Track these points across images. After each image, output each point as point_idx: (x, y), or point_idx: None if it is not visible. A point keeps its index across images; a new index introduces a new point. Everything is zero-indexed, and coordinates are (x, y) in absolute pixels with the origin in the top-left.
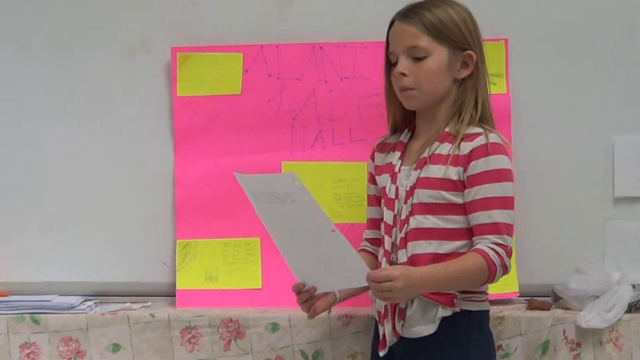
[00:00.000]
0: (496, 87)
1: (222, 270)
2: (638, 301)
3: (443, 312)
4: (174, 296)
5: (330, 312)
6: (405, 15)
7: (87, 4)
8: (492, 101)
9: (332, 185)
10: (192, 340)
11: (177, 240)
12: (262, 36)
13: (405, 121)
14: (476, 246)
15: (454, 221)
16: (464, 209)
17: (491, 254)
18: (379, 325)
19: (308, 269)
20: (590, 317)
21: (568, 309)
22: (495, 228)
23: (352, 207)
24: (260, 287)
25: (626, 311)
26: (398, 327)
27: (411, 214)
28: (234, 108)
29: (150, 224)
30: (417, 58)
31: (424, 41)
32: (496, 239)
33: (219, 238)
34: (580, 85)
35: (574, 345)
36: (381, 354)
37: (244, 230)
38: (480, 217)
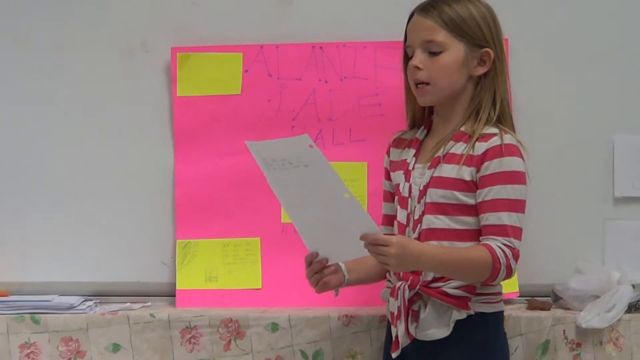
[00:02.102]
0: None
1: (222, 270)
2: (638, 301)
3: (458, 315)
4: (174, 296)
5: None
6: (425, 8)
7: (87, 4)
8: None
9: None
10: (192, 340)
11: (177, 240)
12: (262, 36)
13: (423, 116)
14: (484, 241)
15: (466, 222)
16: (476, 210)
17: (498, 251)
18: (392, 327)
19: (320, 238)
20: (590, 317)
21: (568, 309)
22: (502, 230)
23: None
24: (260, 287)
25: (626, 311)
26: (411, 329)
27: (424, 213)
28: (234, 108)
29: (150, 224)
30: (433, 52)
31: (441, 36)
32: (504, 240)
33: (219, 238)
34: (580, 85)
35: (574, 345)
36: (394, 355)
37: (244, 230)
38: (489, 219)
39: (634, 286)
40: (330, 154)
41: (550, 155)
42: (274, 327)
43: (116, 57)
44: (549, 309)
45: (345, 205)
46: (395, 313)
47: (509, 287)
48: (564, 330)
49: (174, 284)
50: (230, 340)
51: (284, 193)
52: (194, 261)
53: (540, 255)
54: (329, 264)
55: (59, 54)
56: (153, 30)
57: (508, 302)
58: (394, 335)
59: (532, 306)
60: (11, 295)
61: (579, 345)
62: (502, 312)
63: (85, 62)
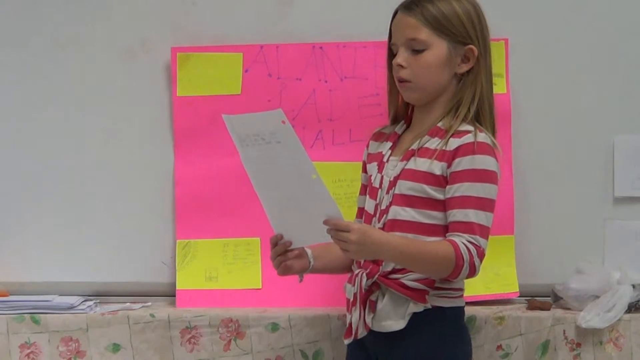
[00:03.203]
0: (496, 87)
1: (222, 270)
2: (638, 301)
3: (414, 307)
4: (174, 296)
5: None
6: (408, 6)
7: (87, 4)
8: None
9: (332, 185)
10: (192, 340)
11: (177, 240)
12: (262, 36)
13: (405, 112)
14: (449, 237)
15: (432, 217)
16: (444, 205)
17: (462, 248)
18: (347, 313)
19: (286, 220)
20: (590, 317)
21: (568, 309)
22: (469, 227)
23: (352, 207)
24: (260, 287)
25: (626, 311)
26: (368, 319)
27: (391, 204)
28: (234, 108)
29: (150, 224)
30: (416, 50)
31: (424, 34)
32: (469, 237)
33: (219, 238)
34: (580, 85)
35: (574, 345)
36: (346, 342)
37: (244, 230)
38: (457, 215)
39: (634, 286)
40: (330, 154)
41: (550, 155)
42: (274, 327)
43: (116, 57)
44: (549, 309)
45: (312, 186)
46: (351, 299)
47: (509, 287)
48: (564, 330)
49: (174, 284)
50: (230, 340)
51: (255, 172)
52: (194, 261)
53: (540, 255)
54: (292, 247)
55: (59, 54)
56: (153, 30)
57: (508, 302)
58: (347, 321)
59: (532, 306)
60: (11, 295)
61: (579, 345)
62: (461, 307)
63: (85, 62)
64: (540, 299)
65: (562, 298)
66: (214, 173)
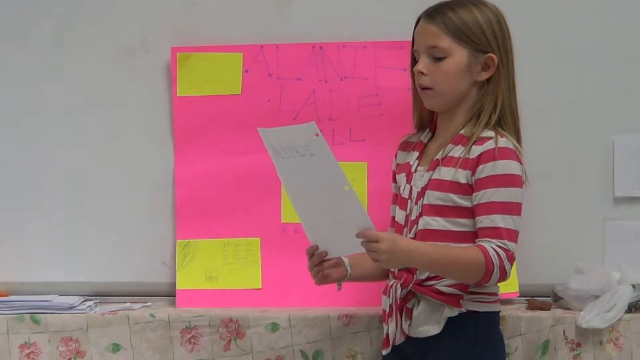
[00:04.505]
0: None
1: (222, 270)
2: (638, 301)
3: (449, 312)
4: (174, 296)
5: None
6: (430, 14)
7: (87, 4)
8: None
9: None
10: (192, 340)
11: (177, 240)
12: (262, 36)
13: (430, 119)
14: (478, 243)
15: (462, 224)
16: (472, 212)
17: (491, 252)
18: (384, 324)
19: (321, 231)
20: (590, 317)
21: (568, 309)
22: (496, 233)
23: None
24: (260, 287)
25: (626, 311)
26: (405, 326)
27: (421, 215)
28: (234, 108)
29: (150, 224)
30: (437, 58)
31: (445, 42)
32: (498, 242)
33: (219, 238)
34: (580, 85)
35: (574, 345)
36: (384, 352)
37: (244, 230)
38: (484, 221)
39: (634, 286)
40: None
41: (550, 156)
42: (274, 327)
43: (116, 57)
44: (549, 309)
45: (345, 198)
46: (387, 311)
47: (509, 287)
48: (564, 330)
49: (174, 284)
50: (230, 340)
51: (291, 183)
52: (194, 261)
53: (540, 255)
54: (327, 257)
55: (59, 54)
56: (153, 30)
57: (508, 302)
58: (384, 332)
59: (532, 306)
60: (11, 295)
61: (579, 345)
62: (496, 312)
63: (85, 62)
64: (540, 299)
65: (562, 298)
66: (214, 173)
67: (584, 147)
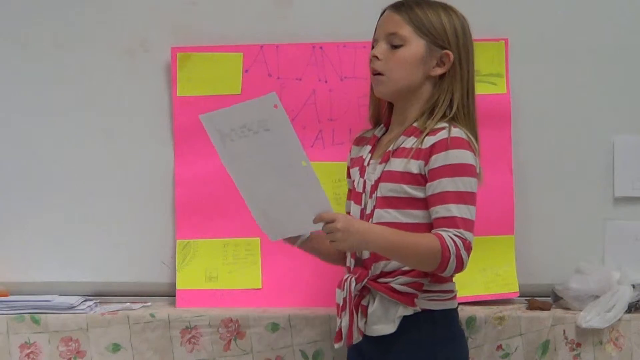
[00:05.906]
0: (496, 87)
1: (222, 270)
2: (638, 301)
3: (404, 311)
4: (174, 296)
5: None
6: (397, 6)
7: (87, 4)
8: (492, 101)
9: (332, 185)
10: (192, 340)
11: (177, 240)
12: (262, 36)
13: (386, 114)
14: (434, 232)
15: (415, 216)
16: (426, 203)
17: (448, 240)
18: (337, 318)
19: (274, 212)
20: (590, 317)
21: (568, 309)
22: (452, 222)
23: None
24: (260, 287)
25: (626, 311)
26: (361, 324)
27: (375, 207)
28: None
29: (150, 224)
30: (395, 46)
31: (405, 30)
32: (454, 231)
33: (219, 238)
34: (580, 85)
35: (574, 345)
36: (336, 346)
37: (244, 230)
38: (439, 211)
39: (634, 286)
40: (330, 154)
41: (550, 156)
42: (274, 327)
43: (116, 57)
44: (549, 309)
45: (301, 174)
46: (341, 304)
47: (509, 287)
48: (564, 330)
49: (174, 284)
50: (230, 340)
51: (238, 167)
52: (194, 261)
53: (540, 255)
54: (281, 237)
55: (59, 54)
56: (153, 30)
57: (508, 302)
58: (337, 326)
59: (532, 306)
60: (11, 295)
61: (579, 345)
62: (454, 309)
63: (85, 62)
64: (540, 299)
65: (562, 298)
66: (214, 173)
67: (584, 148)
